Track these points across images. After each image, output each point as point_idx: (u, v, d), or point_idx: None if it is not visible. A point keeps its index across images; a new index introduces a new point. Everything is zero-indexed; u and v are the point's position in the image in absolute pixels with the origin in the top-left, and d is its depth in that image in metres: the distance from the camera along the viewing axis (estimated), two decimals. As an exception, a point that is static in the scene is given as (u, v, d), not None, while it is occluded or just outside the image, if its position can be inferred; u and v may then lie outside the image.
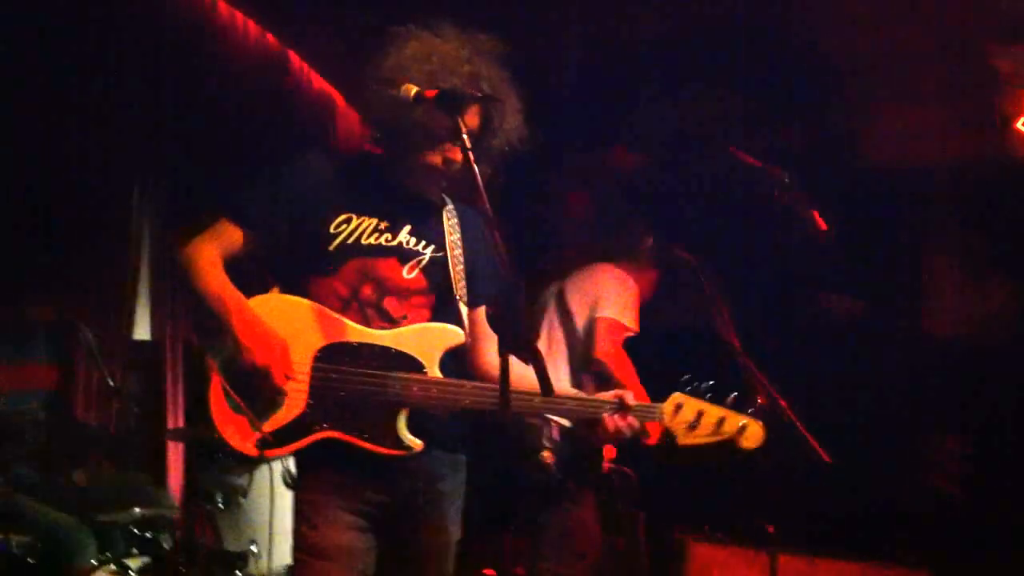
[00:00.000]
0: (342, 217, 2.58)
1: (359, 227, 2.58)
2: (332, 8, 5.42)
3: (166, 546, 4.21)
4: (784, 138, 5.41)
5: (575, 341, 4.03)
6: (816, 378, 4.90)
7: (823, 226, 3.78)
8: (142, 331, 5.41)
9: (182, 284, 2.88)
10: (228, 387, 2.41)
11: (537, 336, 4.09)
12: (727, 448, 2.71)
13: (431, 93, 2.42)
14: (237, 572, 4.16)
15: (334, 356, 2.50)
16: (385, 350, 2.52)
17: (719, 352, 3.78)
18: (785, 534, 3.76)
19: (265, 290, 2.56)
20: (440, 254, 2.65)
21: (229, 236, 2.56)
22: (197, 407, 4.54)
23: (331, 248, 2.56)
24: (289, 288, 2.57)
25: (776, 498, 3.73)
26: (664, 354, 4.12)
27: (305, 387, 2.47)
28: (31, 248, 4.78)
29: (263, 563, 4.16)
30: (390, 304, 2.58)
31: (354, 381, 2.49)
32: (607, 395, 2.66)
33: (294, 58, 6.27)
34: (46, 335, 4.53)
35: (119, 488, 4.36)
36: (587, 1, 5.44)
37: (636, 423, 2.63)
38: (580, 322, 4.04)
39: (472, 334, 2.70)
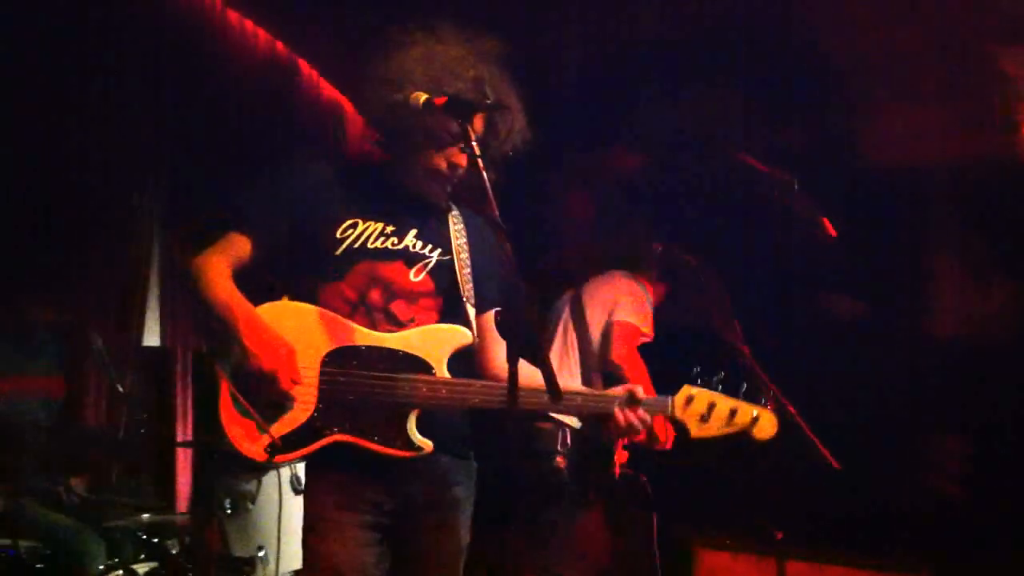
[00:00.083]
0: (348, 222, 2.58)
1: (365, 231, 2.59)
2: (332, 8, 5.41)
3: (173, 551, 4.21)
4: (784, 138, 5.40)
5: (589, 345, 4.07)
6: (816, 378, 4.88)
7: (833, 232, 3.79)
8: (151, 337, 5.41)
9: (191, 296, 2.87)
10: (237, 393, 2.42)
11: (548, 343, 4.11)
12: (741, 441, 2.66)
13: (440, 100, 2.42)
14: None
15: (342, 360, 2.50)
16: (392, 352, 2.52)
17: (723, 354, 3.78)
18: (791, 538, 3.76)
19: (274, 299, 2.56)
20: (447, 257, 2.66)
21: (237, 247, 2.57)
22: (206, 413, 4.54)
23: (338, 253, 2.56)
24: (297, 294, 2.57)
25: (782, 502, 3.73)
26: (670, 356, 4.12)
27: (314, 391, 2.48)
28: (32, 249, 4.77)
29: (271, 569, 4.15)
30: (398, 307, 2.59)
31: (362, 384, 2.49)
32: (617, 389, 2.63)
33: (303, 66, 6.27)
34: (52, 339, 4.53)
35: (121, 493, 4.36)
36: (587, 1, 5.44)
37: (647, 416, 2.59)
38: (596, 326, 4.10)
39: (480, 339, 2.69)
